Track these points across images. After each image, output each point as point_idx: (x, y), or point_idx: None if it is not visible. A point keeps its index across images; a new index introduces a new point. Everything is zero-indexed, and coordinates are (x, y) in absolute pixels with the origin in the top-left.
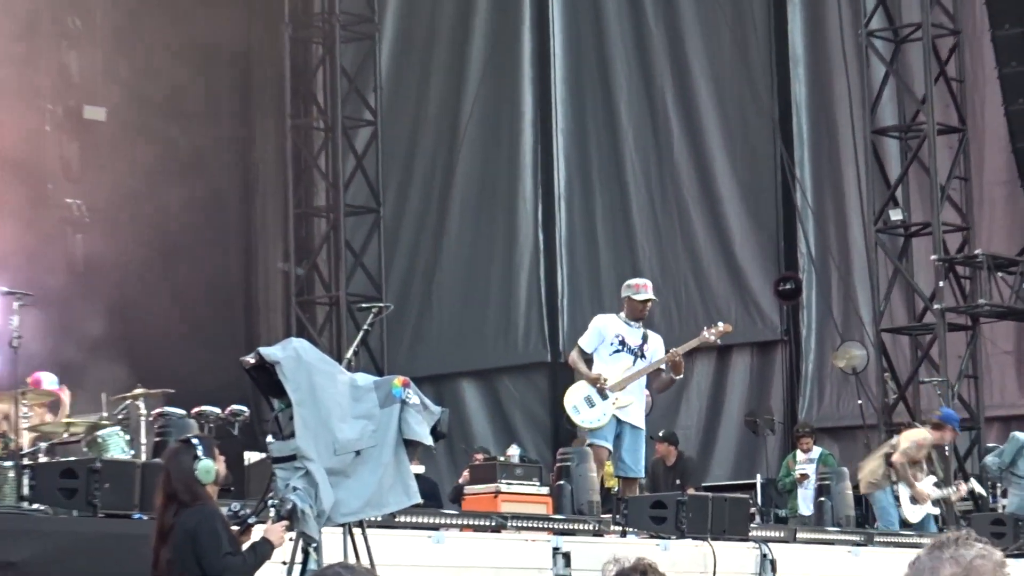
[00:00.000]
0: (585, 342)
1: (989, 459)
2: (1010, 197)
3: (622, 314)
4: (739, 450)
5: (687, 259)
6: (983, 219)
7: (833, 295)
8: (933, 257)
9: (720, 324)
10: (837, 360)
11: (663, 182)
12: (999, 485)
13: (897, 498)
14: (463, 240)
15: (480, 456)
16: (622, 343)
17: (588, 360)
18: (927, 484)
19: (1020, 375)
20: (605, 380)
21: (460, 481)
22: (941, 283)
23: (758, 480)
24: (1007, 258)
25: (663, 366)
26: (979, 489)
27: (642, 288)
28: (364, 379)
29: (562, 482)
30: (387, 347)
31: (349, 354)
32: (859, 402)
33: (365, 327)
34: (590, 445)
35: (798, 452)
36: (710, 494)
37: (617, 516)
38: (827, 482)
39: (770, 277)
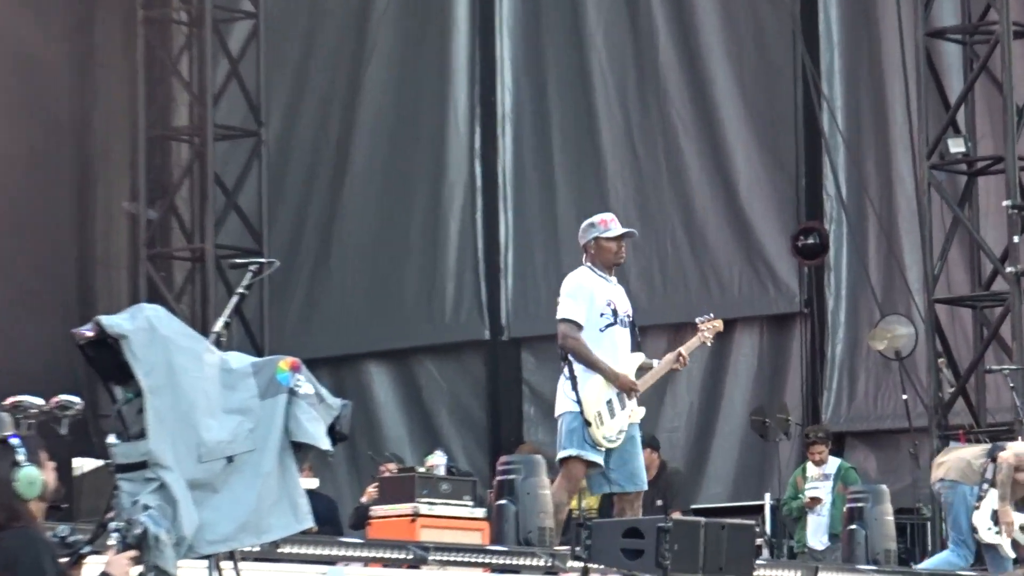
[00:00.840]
0: (579, 312)
1: None
2: None
3: (591, 266)
4: (742, 460)
5: (675, 203)
6: None
7: (870, 253)
8: (1006, 203)
9: (708, 319)
10: (875, 341)
11: (643, 98)
12: None
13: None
14: (373, 176)
15: (393, 466)
16: (614, 312)
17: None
18: (1018, 515)
19: None
20: (635, 387)
21: (365, 499)
22: (1016, 238)
23: (767, 501)
24: None
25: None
26: None
27: (610, 223)
28: (239, 361)
29: (504, 502)
30: (269, 318)
31: (219, 326)
32: (904, 397)
33: (240, 290)
34: (568, 459)
35: (808, 465)
36: (703, 519)
37: (577, 548)
38: (860, 503)
39: (787, 229)
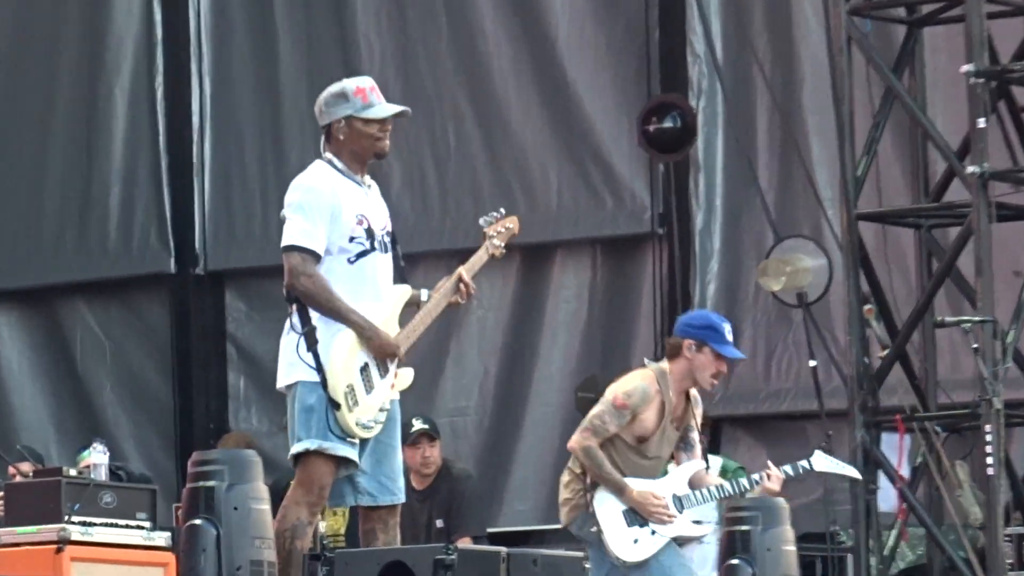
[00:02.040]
0: (315, 234)
1: None
2: None
3: (335, 160)
4: (564, 460)
5: (459, 67)
6: None
7: (759, 143)
8: (967, 68)
9: (498, 217)
10: (767, 277)
11: None
12: None
13: None
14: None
15: (26, 467)
16: (369, 232)
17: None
18: None
19: None
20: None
21: None
22: (982, 121)
23: None
24: None
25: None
26: None
27: (371, 94)
28: None
29: (199, 521)
30: None
31: None
32: (811, 364)
33: None
34: (305, 456)
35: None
36: (503, 549)
37: None
38: (745, 526)
39: (631, 107)
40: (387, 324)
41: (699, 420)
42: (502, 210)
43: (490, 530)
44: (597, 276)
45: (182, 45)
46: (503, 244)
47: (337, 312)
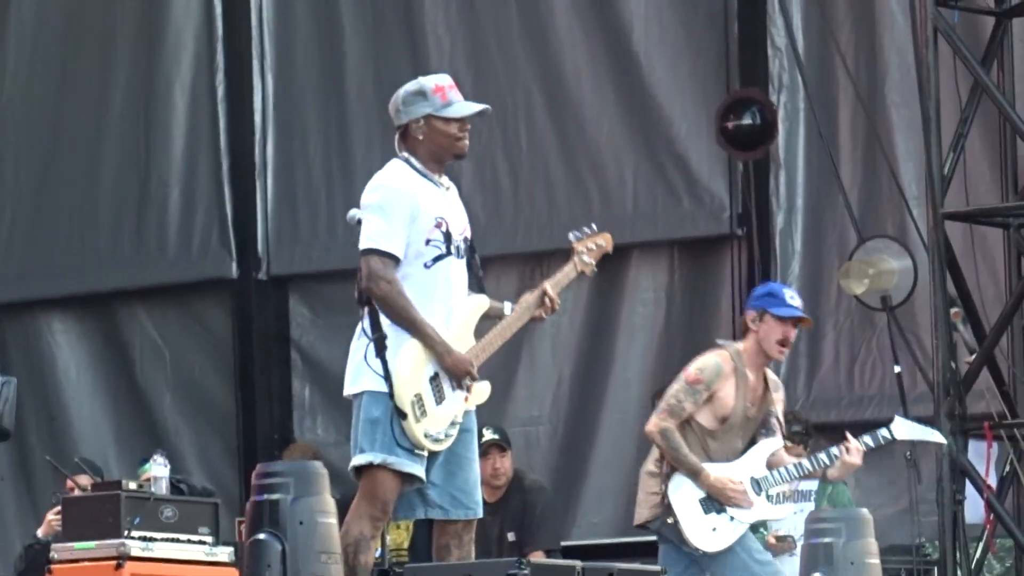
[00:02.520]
0: (394, 236)
1: None
2: None
3: (412, 159)
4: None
5: (533, 64)
6: None
7: (842, 139)
8: None
9: (589, 233)
10: (850, 280)
11: None
12: None
13: None
14: (43, 34)
15: (85, 480)
16: (447, 236)
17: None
18: None
19: None
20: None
21: (41, 533)
22: None
23: None
24: None
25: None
26: None
27: (450, 92)
28: None
29: (263, 536)
30: None
31: None
32: (896, 370)
33: None
34: (370, 469)
35: None
36: (579, 564)
37: None
38: (827, 538)
39: (709, 103)
40: (461, 335)
41: (780, 406)
42: (593, 226)
43: (564, 543)
44: (674, 278)
45: (243, 40)
46: (594, 262)
47: (411, 322)
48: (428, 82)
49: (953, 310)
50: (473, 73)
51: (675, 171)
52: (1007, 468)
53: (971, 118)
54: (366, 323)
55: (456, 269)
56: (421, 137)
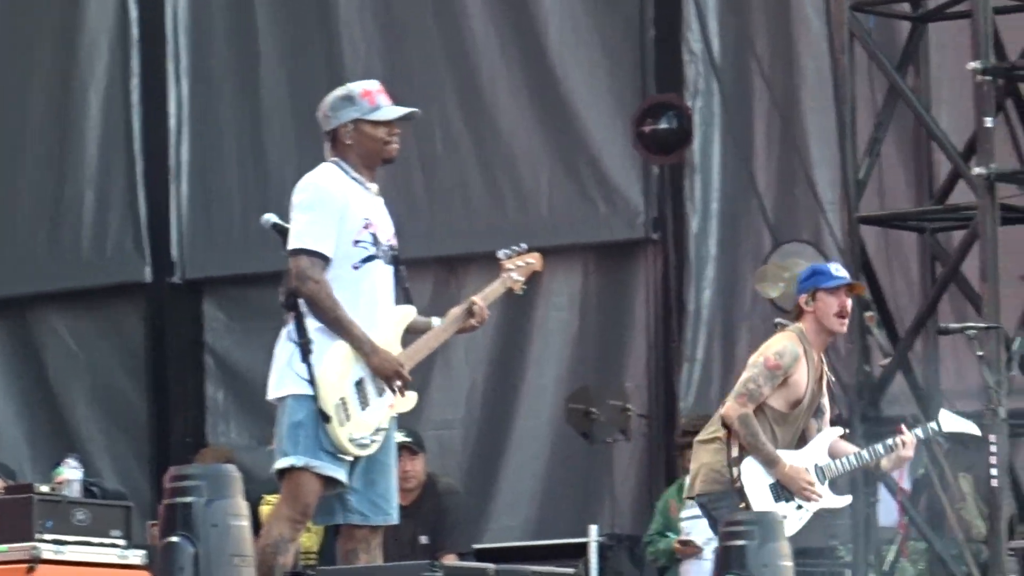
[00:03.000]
0: (324, 236)
1: None
2: None
3: (341, 163)
4: (554, 474)
5: (449, 66)
6: None
7: (757, 144)
8: (973, 65)
9: (519, 251)
10: (765, 283)
11: None
12: None
13: None
14: None
15: None
16: (375, 239)
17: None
18: None
19: None
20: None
21: None
22: (989, 120)
23: (593, 538)
24: None
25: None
26: None
27: (378, 97)
28: None
29: (176, 539)
30: None
31: None
32: None
33: None
34: (292, 472)
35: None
36: (492, 567)
37: None
38: (740, 540)
39: (625, 108)
40: (388, 343)
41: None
42: (523, 244)
43: (477, 546)
44: (589, 283)
45: (159, 44)
46: (523, 279)
47: (338, 321)
48: (356, 87)
49: (867, 313)
50: (389, 77)
51: (591, 176)
52: (921, 471)
53: (886, 123)
54: (292, 328)
55: (383, 273)
56: (350, 142)
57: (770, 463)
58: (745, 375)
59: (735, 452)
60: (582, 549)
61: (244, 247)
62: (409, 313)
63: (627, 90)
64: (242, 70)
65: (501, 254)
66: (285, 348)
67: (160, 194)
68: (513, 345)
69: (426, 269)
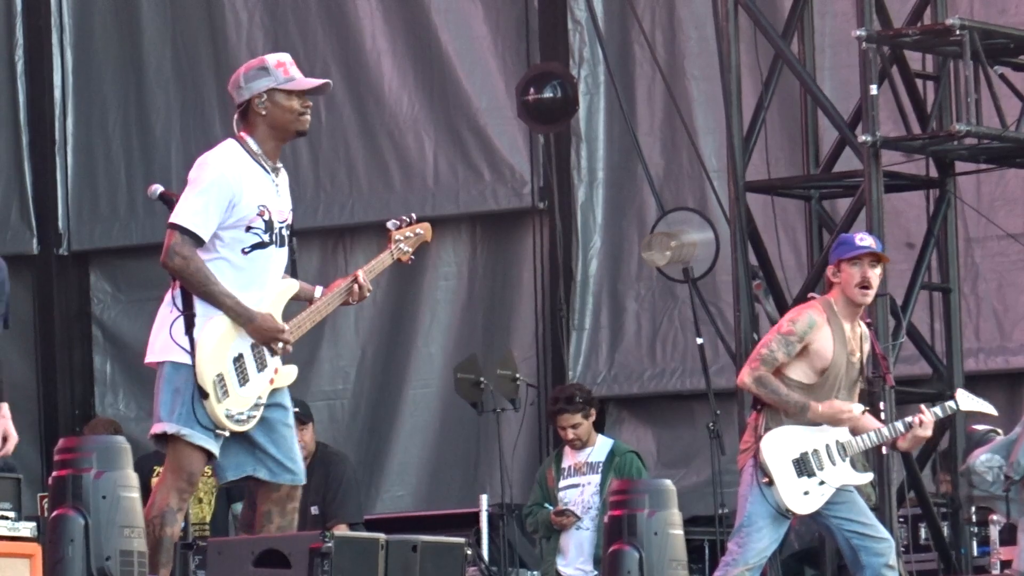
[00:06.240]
0: (206, 219)
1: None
2: None
3: (249, 140)
4: (443, 444)
5: (329, 32)
6: None
7: (641, 112)
8: (859, 33)
9: (408, 222)
10: (652, 252)
11: None
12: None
13: None
14: None
15: None
16: (268, 225)
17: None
18: None
19: None
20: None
21: None
22: (874, 88)
23: (484, 507)
24: None
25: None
26: None
27: (291, 68)
28: None
29: (65, 512)
30: None
31: None
32: (699, 341)
33: None
34: (172, 439)
35: (566, 451)
36: (382, 536)
37: None
38: (631, 509)
39: (510, 76)
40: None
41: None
42: (413, 215)
43: (367, 516)
44: (477, 253)
45: (43, 15)
46: (411, 250)
47: (211, 295)
48: (270, 58)
49: (755, 281)
50: (271, 47)
51: (476, 145)
52: None
53: (771, 91)
54: (178, 297)
55: (276, 257)
56: (264, 112)
57: (802, 410)
58: (760, 344)
59: (760, 431)
60: (473, 519)
61: (129, 218)
62: (292, 286)
63: (512, 59)
64: (126, 43)
65: (390, 224)
66: (168, 314)
67: (46, 166)
68: (402, 315)
69: (312, 240)
